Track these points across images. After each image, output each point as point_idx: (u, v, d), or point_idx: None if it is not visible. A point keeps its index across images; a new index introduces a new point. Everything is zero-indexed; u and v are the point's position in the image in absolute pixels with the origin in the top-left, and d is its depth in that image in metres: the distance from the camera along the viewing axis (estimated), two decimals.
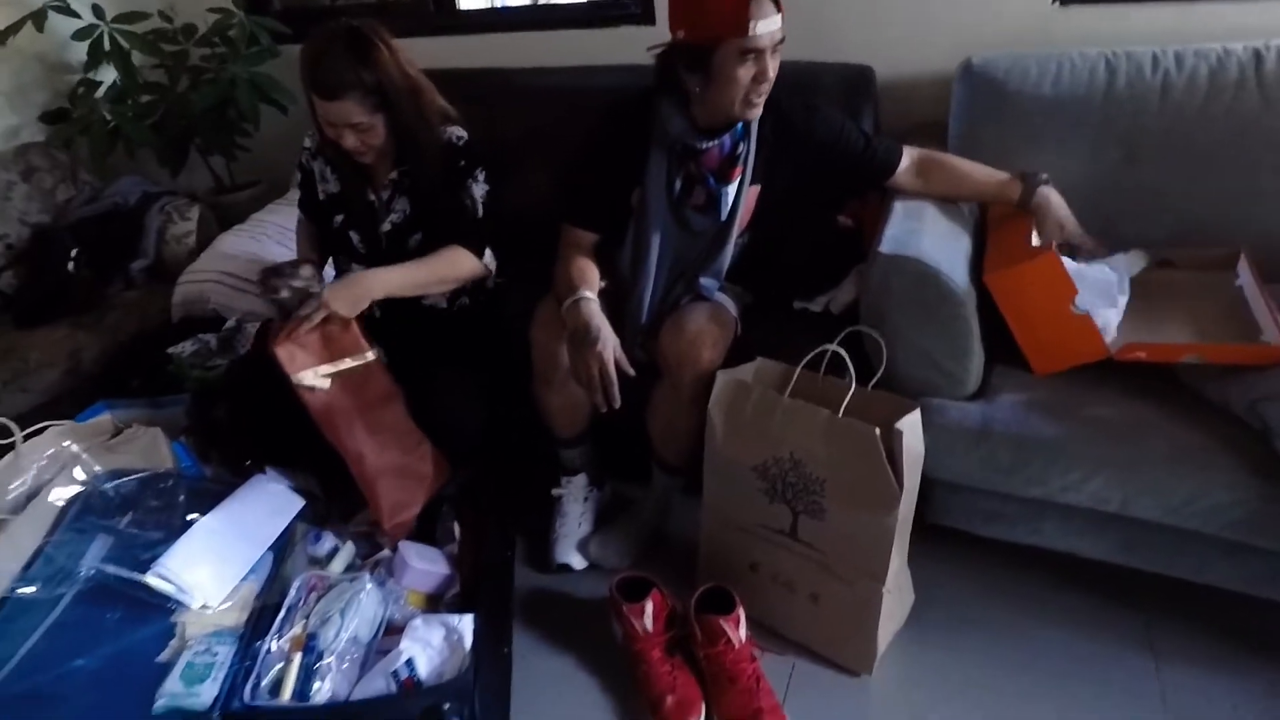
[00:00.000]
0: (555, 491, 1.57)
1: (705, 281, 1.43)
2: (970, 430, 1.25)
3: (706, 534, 1.41)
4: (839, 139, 1.40)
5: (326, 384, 1.31)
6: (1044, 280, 1.19)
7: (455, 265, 1.44)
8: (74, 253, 2.01)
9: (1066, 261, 1.24)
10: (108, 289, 2.04)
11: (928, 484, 1.35)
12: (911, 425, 1.13)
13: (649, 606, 1.27)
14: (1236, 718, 1.18)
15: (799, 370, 1.25)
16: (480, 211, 1.46)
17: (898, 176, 1.42)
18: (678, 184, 1.36)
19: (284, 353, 1.28)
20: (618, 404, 1.27)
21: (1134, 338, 1.24)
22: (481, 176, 1.45)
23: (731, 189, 1.36)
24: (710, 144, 1.33)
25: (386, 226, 1.47)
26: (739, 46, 1.18)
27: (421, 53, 2.02)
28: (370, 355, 1.37)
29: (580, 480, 1.56)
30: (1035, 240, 1.29)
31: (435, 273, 1.43)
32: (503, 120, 1.88)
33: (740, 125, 1.32)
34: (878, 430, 1.11)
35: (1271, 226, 1.36)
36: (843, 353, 1.22)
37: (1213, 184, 1.40)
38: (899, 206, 1.40)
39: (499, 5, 3.55)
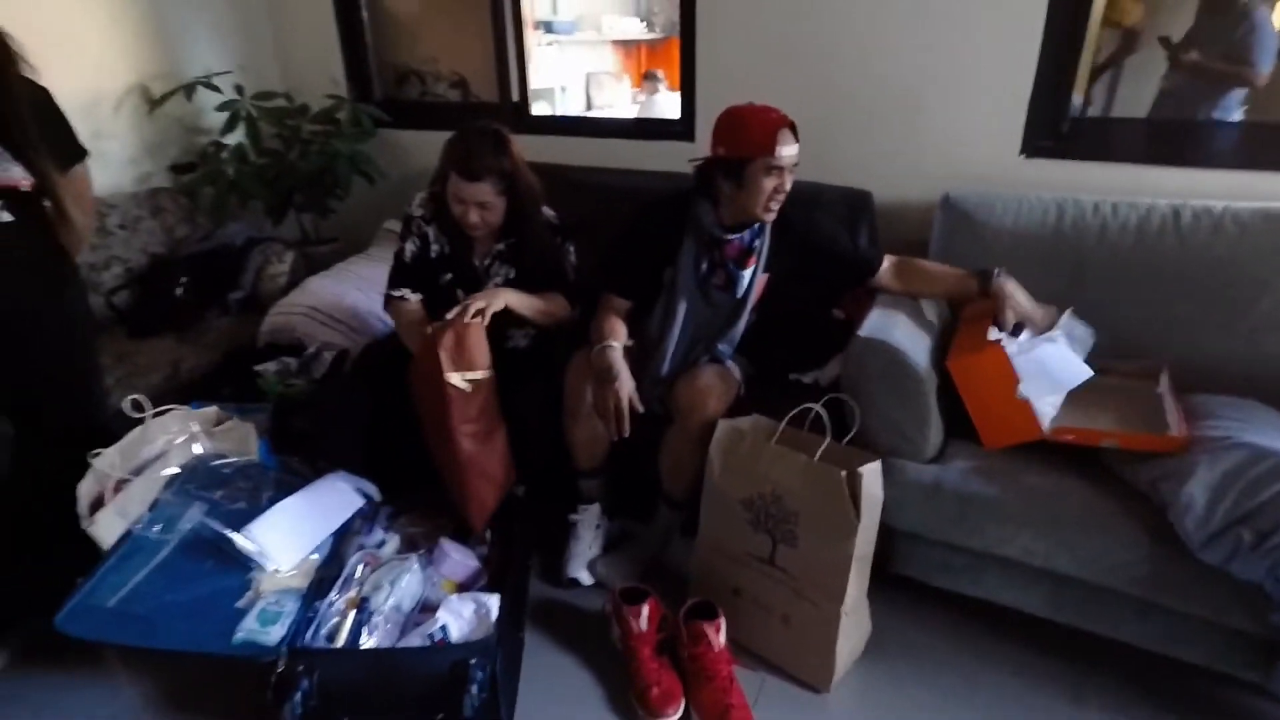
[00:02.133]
0: (572, 517, 1.82)
1: (722, 347, 1.73)
2: (924, 486, 1.50)
3: (699, 559, 1.65)
4: (831, 242, 1.74)
5: (468, 387, 1.58)
6: (992, 369, 1.47)
7: (558, 306, 1.81)
8: (183, 280, 2.37)
9: (1023, 358, 1.51)
10: (207, 313, 2.38)
11: (891, 535, 1.60)
12: (872, 471, 1.39)
13: (645, 609, 1.50)
14: None
15: (784, 424, 1.52)
16: (573, 275, 1.84)
17: (879, 276, 1.74)
18: (704, 266, 1.69)
19: (444, 355, 1.55)
20: (628, 433, 1.55)
21: (1069, 424, 1.50)
22: (571, 248, 1.84)
23: (747, 273, 1.68)
24: (733, 237, 1.66)
25: (491, 288, 1.79)
26: (766, 164, 1.53)
27: None
28: (489, 372, 1.63)
29: (595, 509, 1.82)
30: (993, 335, 1.56)
31: (547, 306, 1.78)
32: (560, 208, 2.24)
33: (758, 224, 1.66)
34: (844, 472, 1.37)
35: (1184, 347, 1.64)
36: (823, 412, 1.50)
37: (1140, 309, 1.69)
38: (879, 305, 1.71)
39: (558, 114, 4.06)
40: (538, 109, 3.08)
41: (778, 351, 1.84)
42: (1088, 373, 1.50)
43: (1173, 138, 2.01)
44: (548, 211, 1.82)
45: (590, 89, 5.42)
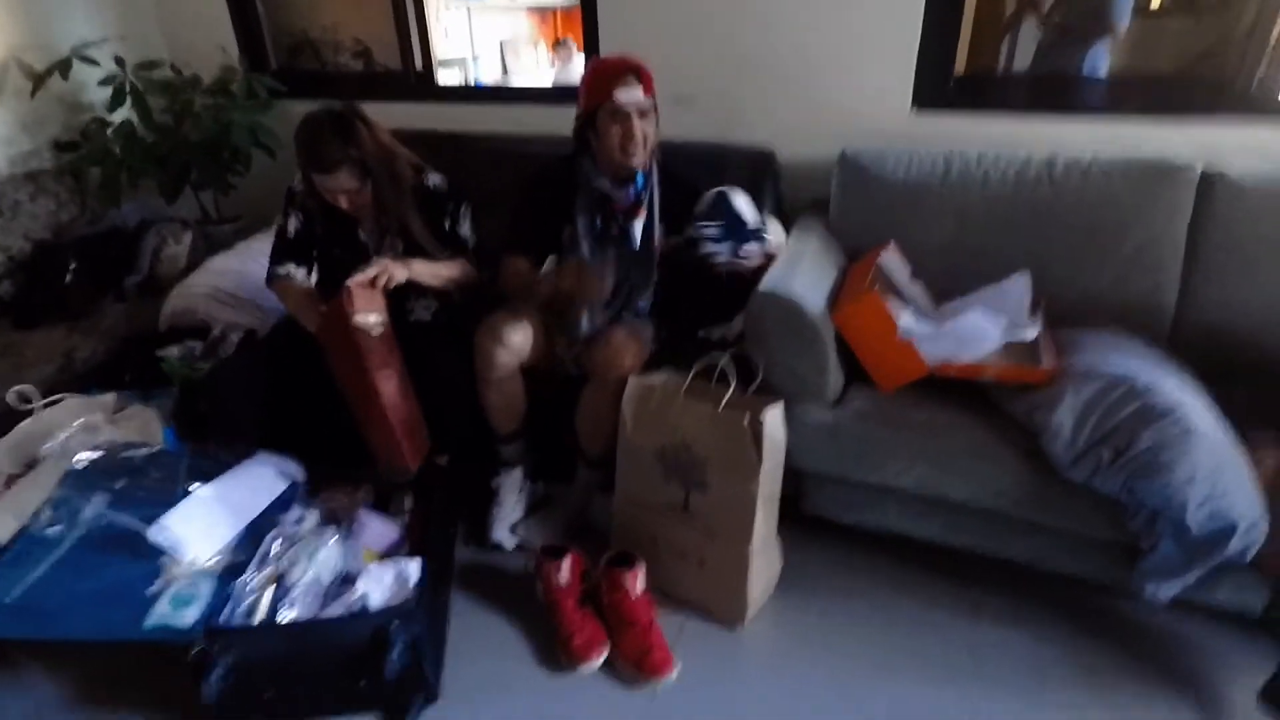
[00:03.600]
0: (494, 482, 1.84)
1: (641, 304, 1.78)
2: (825, 429, 1.59)
3: (618, 513, 1.70)
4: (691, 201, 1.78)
5: (381, 328, 1.60)
6: (870, 315, 1.55)
7: (464, 272, 1.81)
8: (72, 266, 2.25)
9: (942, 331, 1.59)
10: (101, 299, 2.28)
11: (800, 477, 1.68)
12: (773, 416, 1.47)
13: (566, 563, 1.54)
14: (1034, 665, 1.49)
15: (690, 376, 1.58)
16: (473, 240, 1.84)
17: None
18: (598, 222, 1.73)
19: (349, 304, 1.56)
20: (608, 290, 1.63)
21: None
22: (466, 210, 1.82)
23: (637, 224, 1.74)
24: (618, 192, 1.71)
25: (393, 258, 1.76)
26: (609, 110, 1.60)
27: (403, 116, 2.38)
28: (386, 319, 1.65)
29: (516, 473, 1.84)
30: (867, 284, 1.64)
31: (450, 272, 1.78)
32: (471, 177, 2.20)
33: (641, 177, 1.71)
34: (747, 418, 1.44)
35: (1060, 286, 1.76)
36: (729, 365, 1.55)
37: (1019, 252, 1.80)
38: (782, 260, 1.77)
39: (473, 83, 3.97)
40: (448, 77, 3.01)
41: (688, 310, 1.88)
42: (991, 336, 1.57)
43: (1047, 89, 2.14)
44: (435, 177, 1.80)
45: (505, 56, 5.31)
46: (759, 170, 2.13)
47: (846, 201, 1.99)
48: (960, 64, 2.05)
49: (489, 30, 5.20)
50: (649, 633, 1.47)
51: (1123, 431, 1.36)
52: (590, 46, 2.35)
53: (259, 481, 1.63)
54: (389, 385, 1.62)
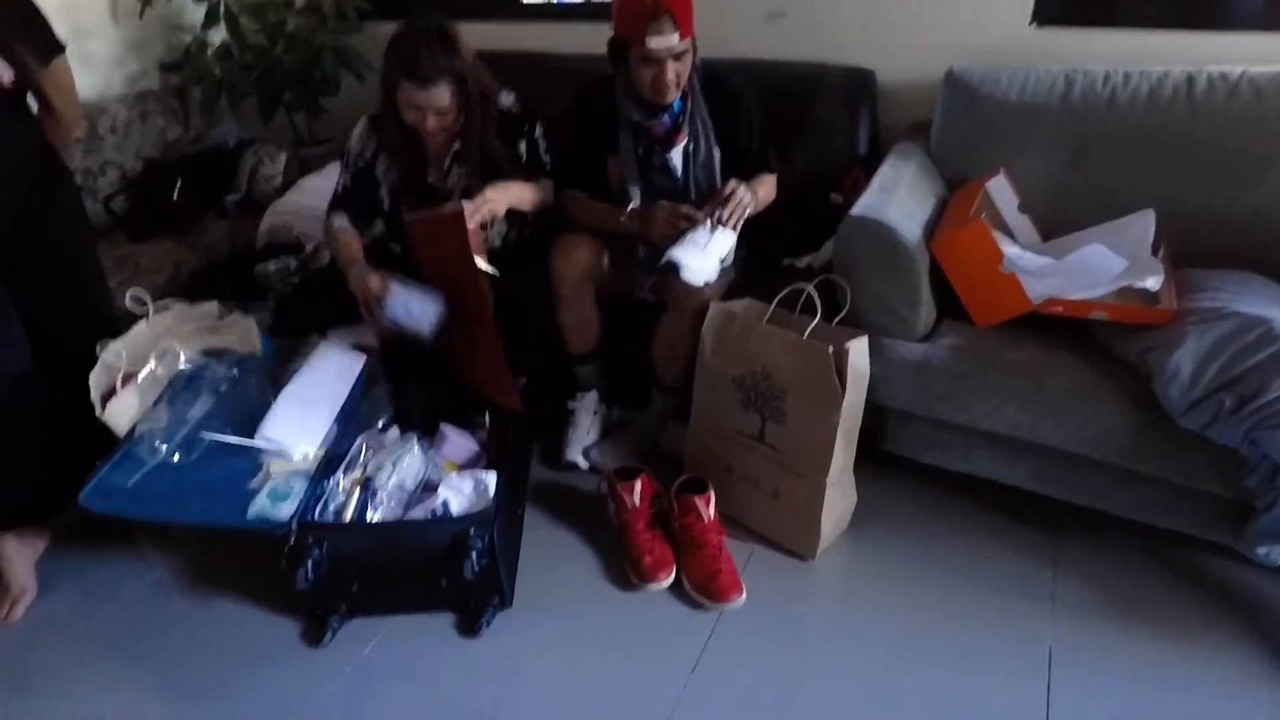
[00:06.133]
0: (570, 404, 1.86)
1: None
2: (913, 363, 1.52)
3: (692, 439, 1.69)
4: (741, 129, 1.69)
5: (491, 269, 1.58)
6: (973, 245, 1.45)
7: (546, 194, 1.76)
8: (179, 183, 2.36)
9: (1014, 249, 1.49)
10: (205, 215, 2.39)
11: (882, 413, 1.62)
12: (858, 347, 1.41)
13: (638, 485, 1.55)
14: (1113, 615, 1.42)
15: (774, 304, 1.53)
16: (550, 161, 1.78)
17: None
18: (640, 151, 1.66)
19: (474, 242, 1.54)
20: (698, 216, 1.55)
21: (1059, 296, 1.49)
22: (541, 130, 1.76)
23: (676, 153, 1.65)
24: (652, 121, 1.62)
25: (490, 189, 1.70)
26: (640, 53, 1.49)
27: (486, 35, 2.33)
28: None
29: (592, 396, 1.86)
30: (972, 212, 1.54)
31: (539, 194, 1.73)
32: (553, 100, 2.17)
33: (678, 103, 1.61)
34: (831, 348, 1.39)
35: (1187, 219, 1.59)
36: (814, 293, 1.49)
37: (1144, 183, 1.64)
38: (876, 180, 1.68)
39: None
40: None
41: (772, 237, 1.82)
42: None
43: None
44: (507, 98, 1.72)
45: None
46: (856, 91, 2.00)
47: (951, 124, 1.85)
48: None
49: None
50: (718, 557, 1.48)
51: (1251, 378, 1.24)
52: None
53: (335, 369, 1.66)
54: (493, 323, 1.59)
